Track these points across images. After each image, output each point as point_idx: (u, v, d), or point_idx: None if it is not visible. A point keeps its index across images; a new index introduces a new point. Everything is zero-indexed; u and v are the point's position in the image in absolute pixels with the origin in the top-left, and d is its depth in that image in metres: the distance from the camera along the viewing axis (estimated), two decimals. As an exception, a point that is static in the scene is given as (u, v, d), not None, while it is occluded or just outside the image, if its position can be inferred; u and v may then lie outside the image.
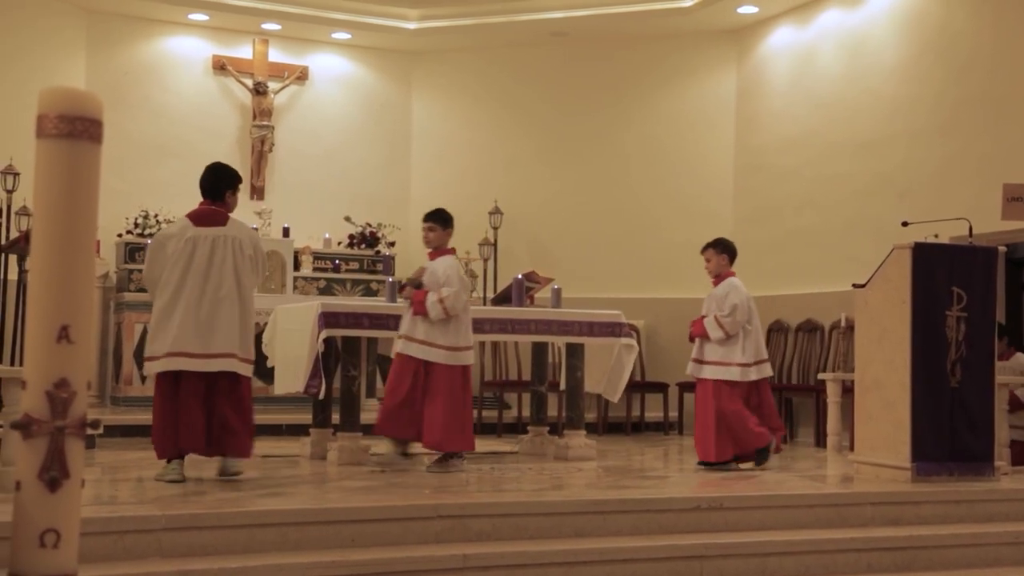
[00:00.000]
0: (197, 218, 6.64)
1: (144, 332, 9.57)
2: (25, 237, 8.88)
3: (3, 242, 9.91)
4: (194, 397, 6.37)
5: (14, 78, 11.26)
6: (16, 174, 10.39)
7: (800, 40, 11.73)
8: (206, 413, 6.38)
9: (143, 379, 10.17)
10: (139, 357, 10.29)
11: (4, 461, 5.67)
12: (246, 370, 6.55)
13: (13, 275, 9.30)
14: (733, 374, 7.78)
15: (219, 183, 6.76)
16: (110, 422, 9.00)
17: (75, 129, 3.05)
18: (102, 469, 7.16)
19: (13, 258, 9.31)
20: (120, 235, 11.74)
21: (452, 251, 7.77)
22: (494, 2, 12.67)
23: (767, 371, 8.00)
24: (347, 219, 12.82)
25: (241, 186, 6.93)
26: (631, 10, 12.14)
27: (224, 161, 7.05)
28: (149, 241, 7.83)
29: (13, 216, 10.53)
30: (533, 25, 12.63)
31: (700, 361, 7.91)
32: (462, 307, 7.47)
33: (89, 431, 3.12)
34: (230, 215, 6.75)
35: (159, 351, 6.43)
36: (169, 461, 6.39)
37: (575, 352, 8.61)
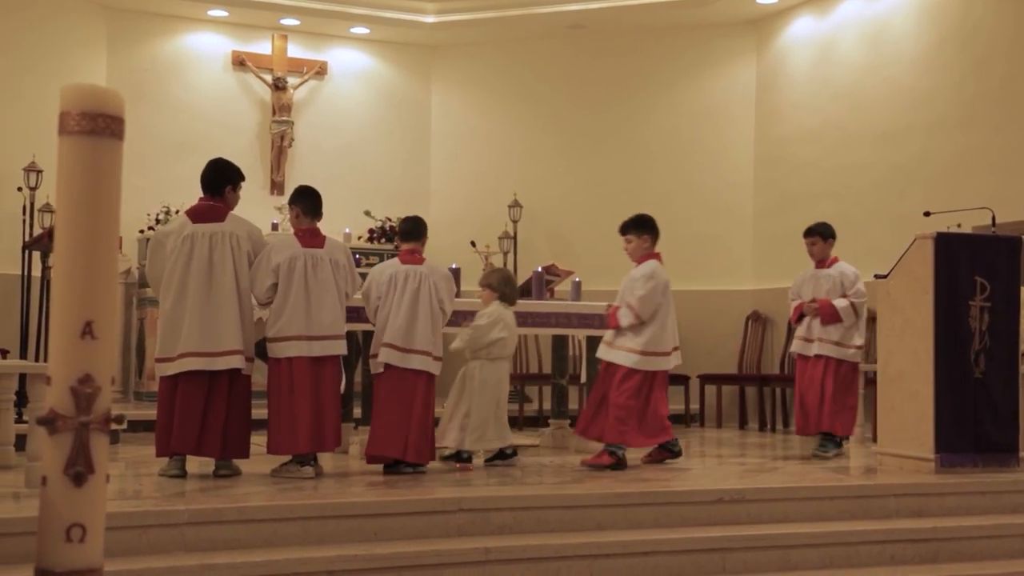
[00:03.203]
0: (195, 214, 6.59)
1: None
2: (48, 234, 8.91)
3: (27, 239, 9.94)
4: (194, 396, 6.32)
5: (35, 76, 11.32)
6: (39, 171, 10.43)
7: (820, 30, 11.66)
8: (203, 412, 6.33)
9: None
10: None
11: (30, 456, 5.72)
12: (248, 368, 6.53)
13: (37, 271, 9.34)
14: (378, 366, 6.82)
15: (219, 178, 6.69)
16: (133, 417, 9.03)
17: (97, 126, 3.06)
18: (126, 464, 7.20)
19: (37, 255, 9.34)
20: (142, 231, 11.79)
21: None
22: (512, -5, 12.67)
23: (384, 360, 6.78)
24: (367, 213, 12.85)
25: (244, 184, 6.86)
26: (649, 1, 12.08)
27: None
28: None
29: (36, 213, 10.58)
30: (551, 18, 12.60)
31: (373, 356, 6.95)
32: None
33: (113, 426, 3.14)
34: (231, 212, 6.66)
35: (172, 352, 6.40)
36: (171, 457, 6.40)
37: (595, 345, 8.59)
